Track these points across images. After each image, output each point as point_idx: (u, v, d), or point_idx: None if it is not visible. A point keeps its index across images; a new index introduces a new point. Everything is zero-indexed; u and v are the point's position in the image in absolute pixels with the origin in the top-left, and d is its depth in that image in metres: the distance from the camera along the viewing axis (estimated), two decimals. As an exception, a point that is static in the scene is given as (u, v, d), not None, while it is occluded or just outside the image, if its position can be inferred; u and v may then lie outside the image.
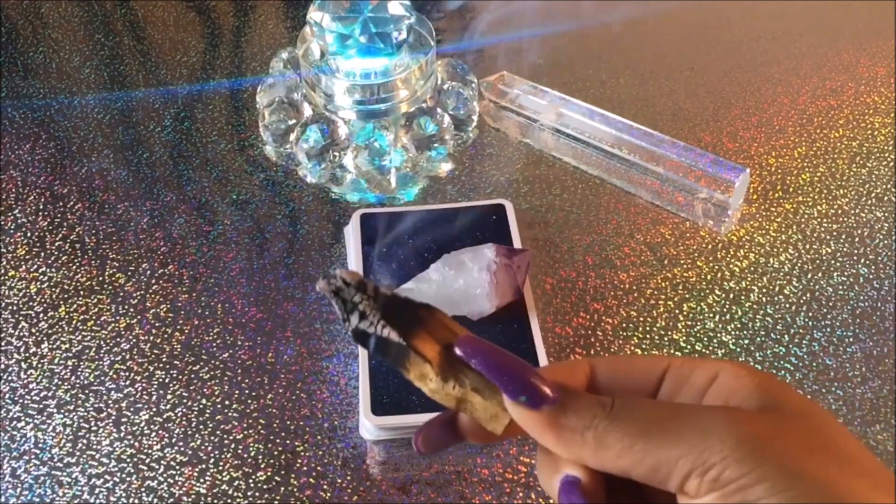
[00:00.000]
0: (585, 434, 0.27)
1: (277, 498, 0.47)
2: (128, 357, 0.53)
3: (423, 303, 0.31)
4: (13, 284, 0.57)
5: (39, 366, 0.53)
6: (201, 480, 0.48)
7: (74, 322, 0.55)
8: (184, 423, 0.50)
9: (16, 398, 0.51)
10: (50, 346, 0.54)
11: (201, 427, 0.50)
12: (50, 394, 0.51)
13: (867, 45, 0.75)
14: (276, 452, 0.49)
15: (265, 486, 0.47)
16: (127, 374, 0.52)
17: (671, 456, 0.26)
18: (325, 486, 0.48)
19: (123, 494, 0.47)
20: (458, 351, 0.29)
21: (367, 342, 0.30)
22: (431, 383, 0.30)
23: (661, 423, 0.26)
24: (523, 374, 0.28)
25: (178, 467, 0.48)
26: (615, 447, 0.27)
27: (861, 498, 0.25)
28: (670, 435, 0.26)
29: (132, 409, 0.51)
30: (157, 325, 0.55)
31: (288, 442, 0.49)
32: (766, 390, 0.28)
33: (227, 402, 0.51)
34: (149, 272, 0.58)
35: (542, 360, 0.50)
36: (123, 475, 0.48)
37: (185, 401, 0.51)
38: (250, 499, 0.47)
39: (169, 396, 0.51)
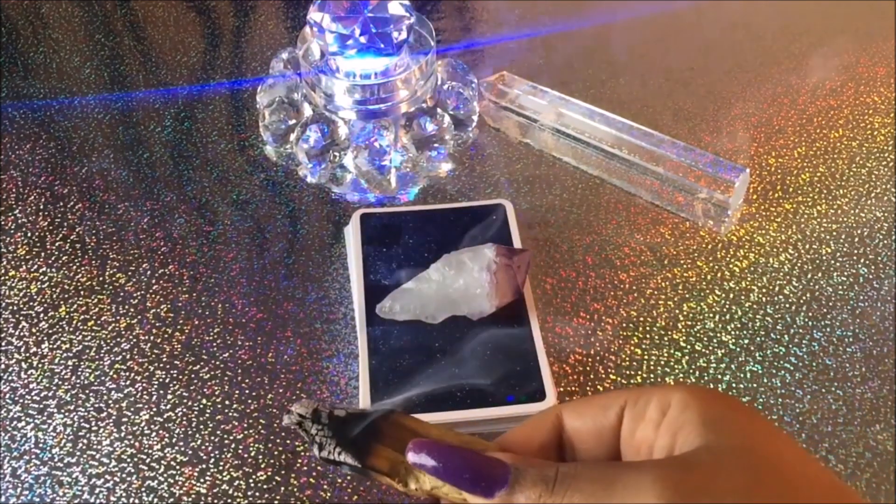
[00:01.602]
0: None
1: (277, 498, 0.47)
2: (128, 357, 0.53)
3: (381, 411, 0.34)
4: (13, 284, 0.57)
5: (40, 366, 0.53)
6: (201, 480, 0.48)
7: (75, 322, 0.55)
8: (184, 423, 0.50)
9: (16, 398, 0.51)
10: (50, 346, 0.54)
11: (201, 427, 0.50)
12: (50, 394, 0.51)
13: (867, 45, 0.75)
14: (276, 452, 0.49)
15: (265, 486, 0.47)
16: (127, 374, 0.52)
17: None
18: (325, 486, 0.48)
19: (124, 494, 0.47)
20: (409, 460, 0.31)
21: (337, 466, 0.33)
22: (399, 487, 0.32)
23: (597, 493, 0.28)
24: (472, 471, 0.30)
25: (178, 467, 0.48)
26: None
27: None
28: None
29: (132, 409, 0.51)
30: (157, 325, 0.55)
31: (288, 442, 0.49)
32: (711, 424, 0.29)
33: (227, 402, 0.51)
34: (149, 272, 0.58)
35: (543, 360, 0.50)
36: (124, 475, 0.48)
37: (185, 401, 0.51)
38: (250, 499, 0.47)
39: (169, 396, 0.51)
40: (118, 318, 0.55)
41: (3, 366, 0.53)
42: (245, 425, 0.50)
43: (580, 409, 0.33)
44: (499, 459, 0.31)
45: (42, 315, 0.55)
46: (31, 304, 0.56)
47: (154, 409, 0.51)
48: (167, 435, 0.49)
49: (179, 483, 0.48)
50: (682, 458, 0.29)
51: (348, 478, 0.48)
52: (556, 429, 0.33)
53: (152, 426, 0.50)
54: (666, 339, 0.54)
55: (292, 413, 0.33)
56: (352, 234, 0.57)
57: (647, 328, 0.55)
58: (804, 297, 0.56)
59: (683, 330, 0.55)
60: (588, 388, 0.52)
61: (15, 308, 0.56)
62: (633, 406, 0.32)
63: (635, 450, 0.32)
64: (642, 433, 0.31)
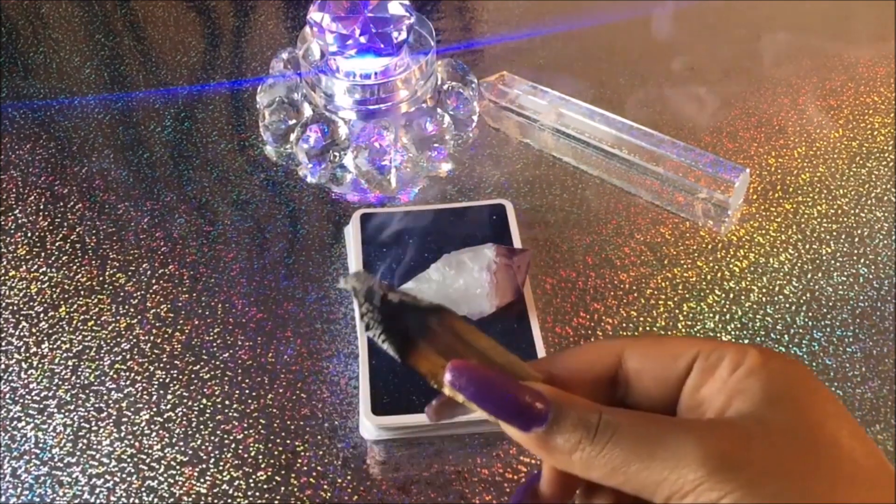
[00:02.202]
0: (573, 455, 0.28)
1: (277, 498, 0.47)
2: (128, 357, 0.53)
3: (434, 307, 0.32)
4: (13, 284, 0.57)
5: (40, 366, 0.53)
6: (201, 480, 0.48)
7: (75, 322, 0.55)
8: (184, 423, 0.50)
9: (16, 398, 0.51)
10: (50, 346, 0.54)
11: (201, 427, 0.50)
12: (50, 394, 0.51)
13: (867, 45, 0.75)
14: (276, 452, 0.49)
15: (265, 486, 0.47)
16: (127, 374, 0.52)
17: (651, 481, 0.27)
18: (325, 486, 0.48)
19: (124, 494, 0.47)
20: (446, 379, 0.30)
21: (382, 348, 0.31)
22: (434, 387, 0.31)
23: (638, 450, 0.27)
24: (512, 401, 0.29)
25: (178, 467, 0.48)
26: (601, 469, 0.28)
27: None
28: (646, 462, 0.27)
29: (132, 409, 0.51)
30: (157, 325, 0.55)
31: (288, 442, 0.49)
32: (770, 397, 0.28)
33: (227, 402, 0.51)
34: (149, 272, 0.58)
35: (542, 360, 0.50)
36: (124, 475, 0.48)
37: (185, 401, 0.51)
38: (250, 499, 0.47)
39: (169, 396, 0.51)
40: (118, 318, 0.55)
41: (3, 366, 0.53)
42: (245, 425, 0.50)
43: (646, 350, 0.31)
44: (541, 394, 0.29)
45: (42, 315, 0.55)
46: (31, 304, 0.56)
47: (154, 409, 0.51)
48: (167, 435, 0.50)
49: (179, 483, 0.48)
50: (731, 424, 0.28)
51: (349, 478, 0.48)
52: (614, 366, 0.32)
53: (152, 426, 0.50)
54: (666, 339, 0.54)
55: (348, 281, 0.31)
56: (352, 234, 0.57)
57: (647, 328, 0.55)
58: (804, 297, 0.56)
59: (683, 330, 0.55)
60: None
61: (15, 308, 0.56)
62: (706, 359, 0.30)
63: (696, 404, 0.30)
64: (708, 390, 0.30)
